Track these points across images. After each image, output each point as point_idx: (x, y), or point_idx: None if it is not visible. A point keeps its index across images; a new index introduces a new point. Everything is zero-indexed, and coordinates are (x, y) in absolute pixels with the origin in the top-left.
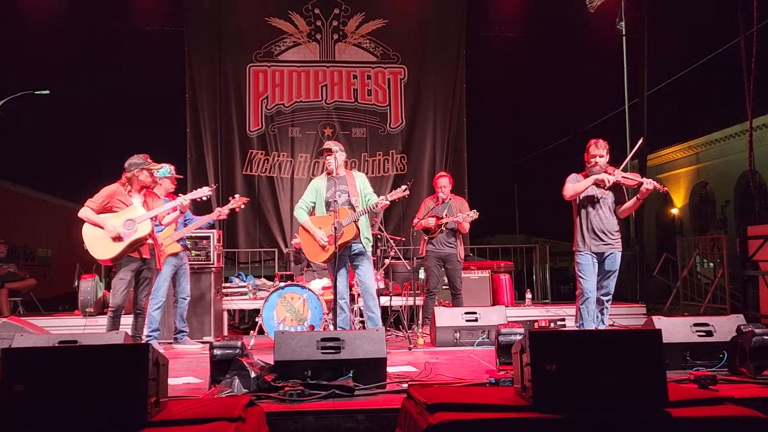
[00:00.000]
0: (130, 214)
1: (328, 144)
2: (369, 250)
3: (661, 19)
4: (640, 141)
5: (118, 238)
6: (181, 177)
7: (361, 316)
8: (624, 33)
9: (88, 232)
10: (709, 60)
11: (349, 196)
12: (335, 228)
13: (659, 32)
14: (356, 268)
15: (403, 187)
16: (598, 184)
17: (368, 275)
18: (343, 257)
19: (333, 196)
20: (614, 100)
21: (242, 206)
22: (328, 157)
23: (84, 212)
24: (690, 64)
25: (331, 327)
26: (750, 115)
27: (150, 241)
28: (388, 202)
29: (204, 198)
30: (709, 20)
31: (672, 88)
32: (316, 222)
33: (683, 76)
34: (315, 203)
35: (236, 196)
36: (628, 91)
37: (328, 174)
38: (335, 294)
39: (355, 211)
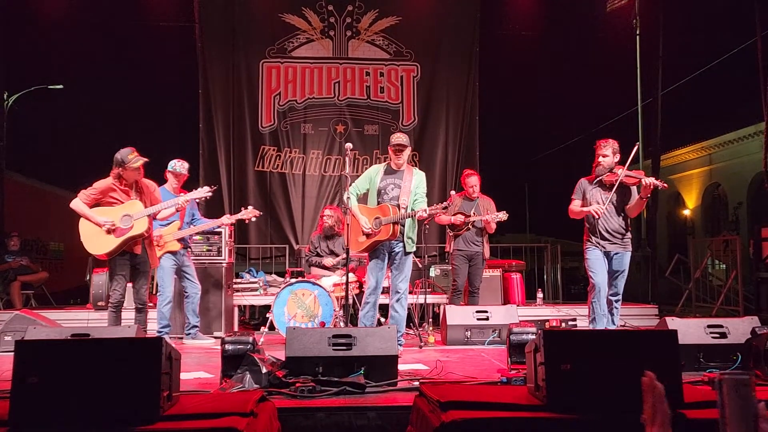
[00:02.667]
0: (128, 210)
1: (400, 139)
2: (412, 249)
3: (676, 18)
4: (636, 147)
5: (111, 231)
6: (187, 175)
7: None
8: (638, 32)
9: (84, 227)
10: (723, 60)
11: (400, 192)
12: (375, 224)
13: (674, 32)
14: (393, 266)
15: (444, 203)
16: (588, 213)
17: (403, 276)
18: (379, 253)
19: (385, 188)
20: (627, 100)
21: (253, 219)
22: (399, 153)
23: (76, 204)
24: (704, 64)
25: (342, 324)
26: (766, 116)
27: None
28: (426, 215)
29: (203, 198)
30: (725, 20)
31: (686, 88)
32: (362, 211)
33: (697, 76)
34: (368, 191)
35: (249, 207)
36: (641, 90)
37: (388, 164)
38: (347, 289)
39: (399, 210)
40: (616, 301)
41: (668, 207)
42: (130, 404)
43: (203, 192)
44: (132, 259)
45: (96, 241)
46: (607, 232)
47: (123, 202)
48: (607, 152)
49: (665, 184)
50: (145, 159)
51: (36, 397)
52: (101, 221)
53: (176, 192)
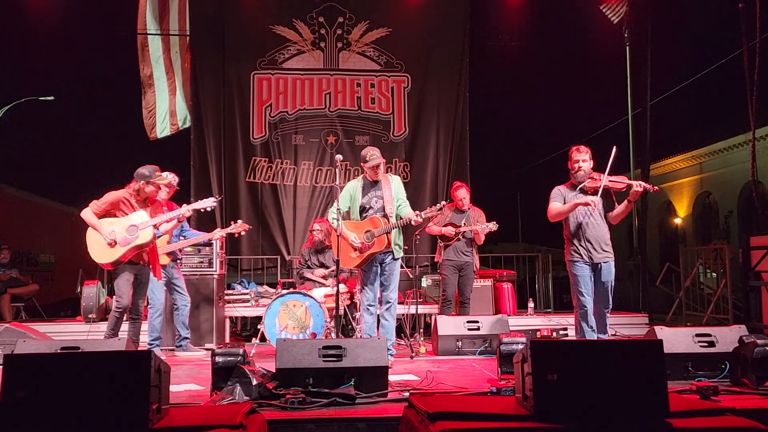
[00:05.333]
0: (134, 220)
1: (375, 158)
2: (400, 255)
3: (665, 29)
4: (613, 151)
5: (113, 243)
6: (177, 188)
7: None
8: (628, 43)
9: (91, 236)
10: (712, 70)
11: (384, 202)
12: (367, 237)
13: (663, 42)
14: (382, 274)
15: (438, 205)
16: (585, 204)
17: (393, 284)
18: (371, 266)
19: (368, 202)
20: (618, 110)
21: (242, 233)
22: (377, 169)
23: (86, 213)
24: (694, 74)
25: (333, 335)
26: (753, 126)
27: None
28: (420, 220)
29: (208, 209)
30: (713, 31)
31: (675, 98)
32: (349, 227)
33: (687, 86)
34: (349, 208)
35: (239, 221)
36: (631, 100)
37: (365, 178)
38: (337, 300)
39: (388, 219)
40: (607, 311)
41: (659, 216)
42: (119, 417)
43: (209, 202)
44: (137, 269)
45: (102, 250)
46: (596, 241)
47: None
48: (586, 157)
49: (655, 187)
50: (170, 179)
51: (24, 411)
52: (106, 233)
53: (164, 204)
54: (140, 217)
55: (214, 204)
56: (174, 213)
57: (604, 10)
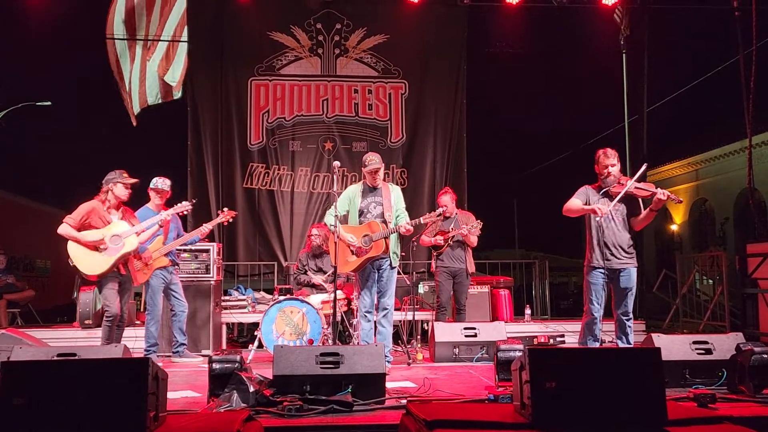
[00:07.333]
0: (115, 230)
1: (375, 163)
2: (396, 264)
3: (662, 36)
4: (644, 167)
5: (103, 251)
6: (170, 192)
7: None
8: (624, 50)
9: (74, 249)
10: (709, 77)
11: (383, 209)
12: (365, 241)
13: (660, 49)
14: (379, 281)
15: (438, 211)
16: (593, 212)
17: (389, 291)
18: (369, 271)
19: (367, 207)
20: (614, 116)
21: (230, 220)
22: (376, 174)
23: (64, 229)
24: (690, 81)
25: (330, 341)
26: (749, 133)
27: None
28: (407, 229)
29: (184, 212)
30: (710, 38)
31: (672, 105)
32: (347, 230)
33: (683, 93)
34: (348, 212)
35: (224, 209)
36: (628, 107)
37: (365, 183)
38: (334, 306)
39: (387, 225)
40: (628, 320)
41: (656, 222)
42: (116, 425)
43: (183, 206)
44: (120, 277)
45: (89, 261)
46: (615, 246)
47: (105, 224)
48: (615, 161)
49: (680, 199)
50: (137, 180)
51: (22, 418)
52: (95, 240)
53: (159, 209)
54: (121, 226)
55: (189, 207)
56: (154, 219)
57: (615, 16)
